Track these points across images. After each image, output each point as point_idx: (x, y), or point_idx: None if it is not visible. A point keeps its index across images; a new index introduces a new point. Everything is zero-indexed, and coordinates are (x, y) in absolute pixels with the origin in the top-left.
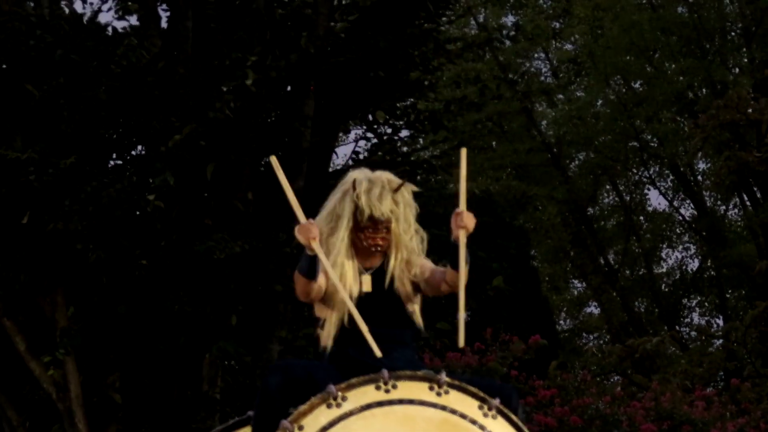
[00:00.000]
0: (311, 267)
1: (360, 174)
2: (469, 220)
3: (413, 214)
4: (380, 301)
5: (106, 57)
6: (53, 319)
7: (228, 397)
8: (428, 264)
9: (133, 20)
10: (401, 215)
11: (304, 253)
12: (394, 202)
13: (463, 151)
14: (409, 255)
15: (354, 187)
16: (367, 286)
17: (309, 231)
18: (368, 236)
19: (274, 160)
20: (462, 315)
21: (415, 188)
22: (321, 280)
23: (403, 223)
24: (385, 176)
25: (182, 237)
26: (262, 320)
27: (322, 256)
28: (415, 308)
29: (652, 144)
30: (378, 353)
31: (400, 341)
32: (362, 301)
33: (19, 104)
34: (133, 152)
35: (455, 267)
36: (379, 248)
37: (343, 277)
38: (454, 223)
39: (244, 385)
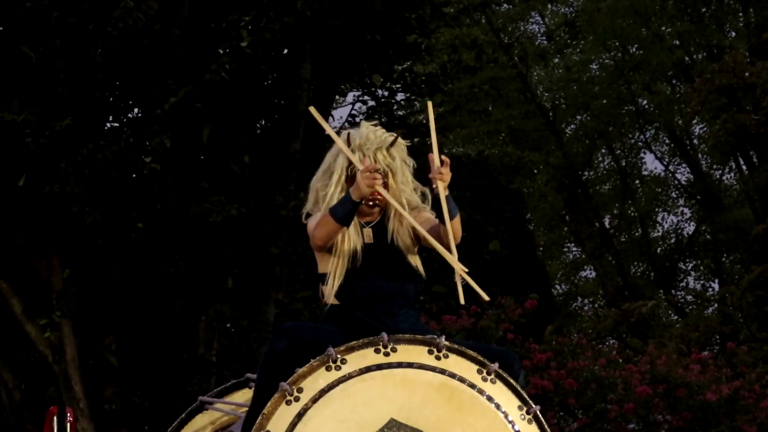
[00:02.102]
0: (350, 214)
1: (354, 130)
2: (444, 171)
3: (410, 169)
4: (382, 254)
5: (103, 19)
6: (49, 282)
7: (224, 360)
8: (430, 218)
9: None
10: (397, 169)
11: (347, 198)
12: (390, 156)
13: (429, 104)
14: (408, 208)
15: (348, 142)
16: (368, 239)
17: (375, 178)
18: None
19: (313, 110)
20: (459, 269)
21: (406, 142)
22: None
23: (399, 175)
24: (379, 131)
25: (178, 200)
26: (258, 283)
27: (390, 199)
28: (416, 260)
29: (648, 108)
30: (485, 296)
31: (404, 296)
32: (365, 254)
33: (16, 67)
34: (130, 115)
35: (443, 221)
36: (377, 202)
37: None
38: (432, 176)
39: (240, 348)
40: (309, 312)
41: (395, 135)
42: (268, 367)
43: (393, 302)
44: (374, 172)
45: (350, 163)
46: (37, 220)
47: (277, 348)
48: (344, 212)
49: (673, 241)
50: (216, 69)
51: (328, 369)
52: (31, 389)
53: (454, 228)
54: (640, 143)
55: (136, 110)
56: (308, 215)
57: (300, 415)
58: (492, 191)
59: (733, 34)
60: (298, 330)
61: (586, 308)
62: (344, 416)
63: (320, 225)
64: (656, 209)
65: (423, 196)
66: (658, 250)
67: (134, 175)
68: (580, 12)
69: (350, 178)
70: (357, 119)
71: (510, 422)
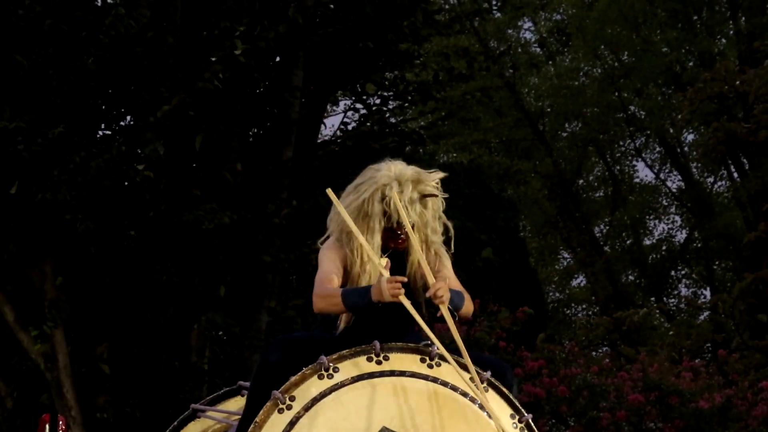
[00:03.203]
0: (361, 308)
1: (391, 173)
2: (443, 293)
3: (442, 207)
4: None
5: (95, 27)
6: (42, 290)
7: (216, 368)
8: (446, 273)
9: None
10: (429, 218)
11: (366, 294)
12: (423, 205)
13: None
14: (428, 250)
15: (384, 193)
16: (385, 267)
17: (400, 288)
18: (391, 237)
19: (330, 192)
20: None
21: (442, 174)
22: (338, 276)
23: (430, 224)
24: (416, 177)
25: (171, 207)
26: (250, 291)
27: (410, 308)
28: (422, 300)
29: (639, 115)
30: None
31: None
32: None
33: (8, 74)
34: (122, 122)
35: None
36: (400, 249)
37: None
38: (431, 297)
39: (233, 356)
40: (302, 320)
41: (434, 193)
42: (261, 377)
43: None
44: (399, 283)
45: (387, 213)
46: (29, 227)
47: (270, 360)
48: (357, 305)
49: (664, 248)
50: (209, 77)
51: (321, 377)
52: (23, 397)
53: (462, 313)
54: (631, 151)
55: (128, 118)
56: (325, 237)
57: (292, 424)
58: (484, 199)
59: (723, 41)
60: (291, 343)
61: (579, 315)
62: (336, 424)
63: (327, 298)
64: (648, 217)
65: (445, 227)
66: (650, 257)
67: (126, 183)
68: (571, 18)
69: (386, 231)
70: (349, 127)
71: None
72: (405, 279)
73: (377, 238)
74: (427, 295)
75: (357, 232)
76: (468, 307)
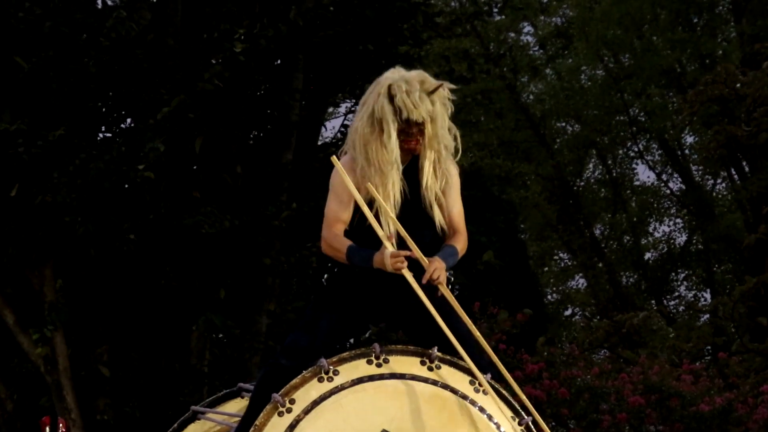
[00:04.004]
0: (361, 268)
1: (396, 75)
2: (439, 273)
3: (449, 114)
4: (409, 200)
5: (96, 29)
6: (41, 292)
7: (216, 370)
8: (454, 202)
9: None
10: (438, 115)
11: (368, 258)
12: (431, 102)
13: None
14: (440, 154)
15: (391, 90)
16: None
17: (403, 262)
18: (404, 139)
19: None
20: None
21: (452, 86)
22: (347, 215)
23: (440, 121)
24: (421, 77)
25: (171, 210)
26: (250, 293)
27: (411, 279)
28: (438, 213)
29: (640, 118)
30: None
31: (420, 243)
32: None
33: (8, 76)
34: (122, 125)
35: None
36: (414, 151)
37: (390, 186)
38: (428, 280)
39: (233, 358)
40: (296, 321)
41: (438, 84)
42: (269, 381)
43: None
44: (402, 257)
45: (398, 111)
46: (29, 230)
47: (281, 365)
48: (357, 264)
49: (664, 250)
50: (209, 78)
51: (321, 380)
52: (23, 400)
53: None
54: (632, 153)
55: (128, 120)
56: (342, 153)
57: (292, 427)
58: (485, 202)
59: (725, 44)
60: (300, 352)
61: (578, 317)
62: (336, 427)
63: (334, 249)
64: (648, 219)
65: (454, 137)
66: (650, 259)
67: (126, 186)
68: (574, 19)
69: (401, 132)
70: None
71: None
72: (409, 253)
73: (394, 140)
74: (424, 280)
75: (362, 203)
76: (461, 251)
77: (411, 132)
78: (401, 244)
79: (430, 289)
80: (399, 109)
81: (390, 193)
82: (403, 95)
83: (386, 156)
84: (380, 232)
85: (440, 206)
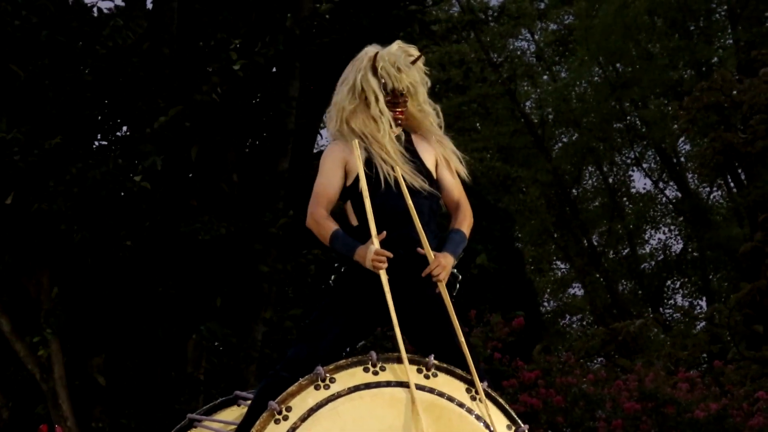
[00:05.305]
0: (339, 257)
1: (374, 49)
2: (440, 271)
3: (426, 89)
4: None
5: (92, 38)
6: (38, 300)
7: (212, 378)
8: (452, 173)
9: (119, 0)
10: (418, 85)
11: (351, 251)
12: (415, 72)
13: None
14: (429, 123)
15: (376, 60)
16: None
17: (383, 261)
18: (389, 109)
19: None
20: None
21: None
22: (334, 192)
23: (422, 95)
24: (402, 48)
25: (167, 218)
26: (247, 301)
27: (385, 282)
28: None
29: (637, 125)
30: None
31: (419, 213)
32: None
33: (4, 85)
34: (119, 133)
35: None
36: (399, 122)
37: (393, 154)
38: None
39: (229, 366)
40: (298, 331)
41: (420, 54)
42: (268, 392)
43: (408, 223)
44: (384, 258)
45: (382, 81)
46: (25, 238)
47: (282, 377)
48: (337, 249)
49: (661, 258)
50: (207, 90)
51: (317, 388)
52: (19, 408)
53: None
54: (628, 160)
55: (125, 129)
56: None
57: None
58: (481, 210)
59: (721, 51)
60: (301, 364)
61: (574, 326)
62: None
63: (319, 227)
64: (644, 227)
65: (435, 113)
66: (646, 267)
67: (123, 194)
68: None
69: (387, 102)
70: None
71: None
72: (391, 254)
73: (384, 110)
74: (424, 273)
75: (365, 190)
76: (469, 229)
77: (397, 101)
78: (394, 240)
79: (429, 284)
80: (383, 79)
81: (396, 159)
82: (387, 65)
83: (376, 126)
84: (372, 227)
85: (439, 177)
